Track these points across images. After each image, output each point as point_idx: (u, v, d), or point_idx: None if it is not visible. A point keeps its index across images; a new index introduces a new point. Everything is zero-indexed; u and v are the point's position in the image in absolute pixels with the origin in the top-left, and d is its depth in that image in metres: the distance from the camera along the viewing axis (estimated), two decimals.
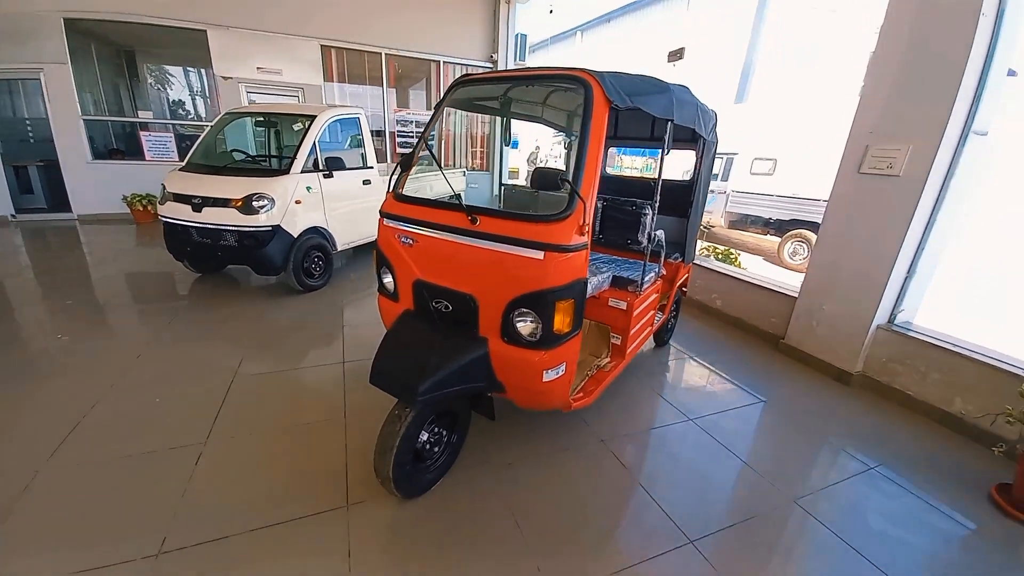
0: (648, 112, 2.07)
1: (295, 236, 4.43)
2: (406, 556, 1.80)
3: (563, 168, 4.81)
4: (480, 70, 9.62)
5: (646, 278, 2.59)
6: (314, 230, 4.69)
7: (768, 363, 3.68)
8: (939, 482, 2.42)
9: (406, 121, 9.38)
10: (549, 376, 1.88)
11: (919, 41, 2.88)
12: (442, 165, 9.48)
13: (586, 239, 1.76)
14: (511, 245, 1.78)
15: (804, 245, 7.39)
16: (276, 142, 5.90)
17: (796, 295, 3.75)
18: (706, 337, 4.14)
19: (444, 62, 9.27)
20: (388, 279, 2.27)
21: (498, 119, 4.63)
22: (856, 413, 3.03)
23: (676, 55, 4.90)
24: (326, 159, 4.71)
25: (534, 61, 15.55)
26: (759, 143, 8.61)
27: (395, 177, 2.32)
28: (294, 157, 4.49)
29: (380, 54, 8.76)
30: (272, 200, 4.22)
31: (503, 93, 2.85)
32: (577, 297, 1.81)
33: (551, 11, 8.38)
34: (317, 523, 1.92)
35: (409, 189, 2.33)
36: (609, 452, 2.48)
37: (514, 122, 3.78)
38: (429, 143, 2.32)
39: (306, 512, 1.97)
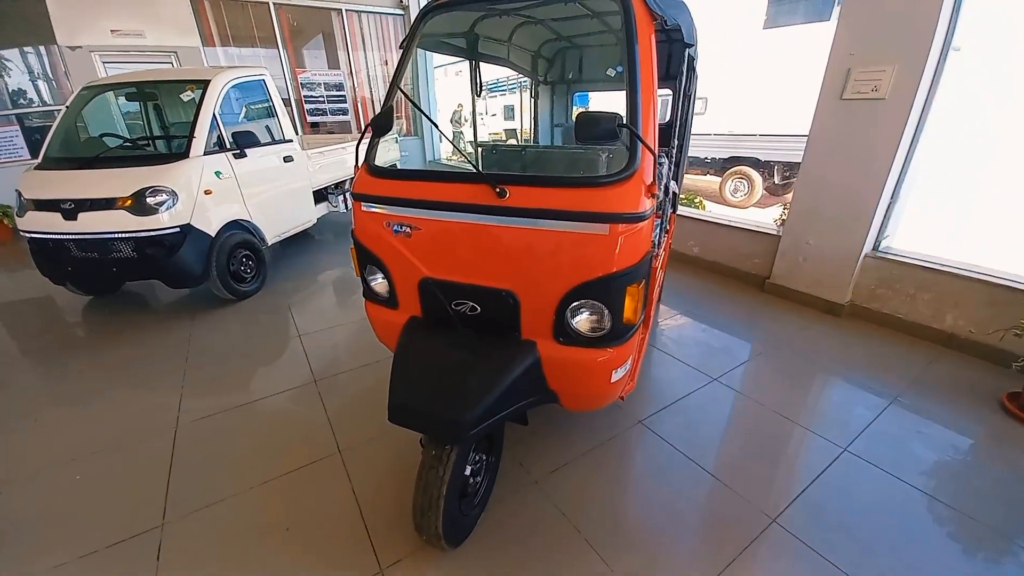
0: (678, 35, 1.68)
1: (212, 235, 3.59)
2: None
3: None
4: (391, 17, 8.52)
5: (661, 237, 2.30)
6: (235, 224, 3.86)
7: (761, 305, 3.65)
8: (951, 397, 2.49)
9: (312, 84, 8.15)
10: (618, 375, 1.54)
11: None
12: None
13: (654, 203, 1.38)
14: (566, 221, 1.36)
15: (744, 181, 7.60)
16: (158, 120, 4.75)
17: (778, 233, 3.70)
18: (691, 288, 4.02)
19: (348, 10, 8.05)
20: (378, 281, 1.76)
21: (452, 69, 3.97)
22: (854, 344, 3.07)
23: None
24: (233, 135, 3.82)
25: None
26: None
27: (365, 145, 1.75)
28: (191, 135, 3.56)
29: (268, 4, 7.38)
30: (173, 193, 3.34)
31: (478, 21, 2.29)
32: (647, 276, 1.45)
33: None
34: None
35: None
36: (652, 433, 2.25)
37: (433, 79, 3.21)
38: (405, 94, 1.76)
39: None
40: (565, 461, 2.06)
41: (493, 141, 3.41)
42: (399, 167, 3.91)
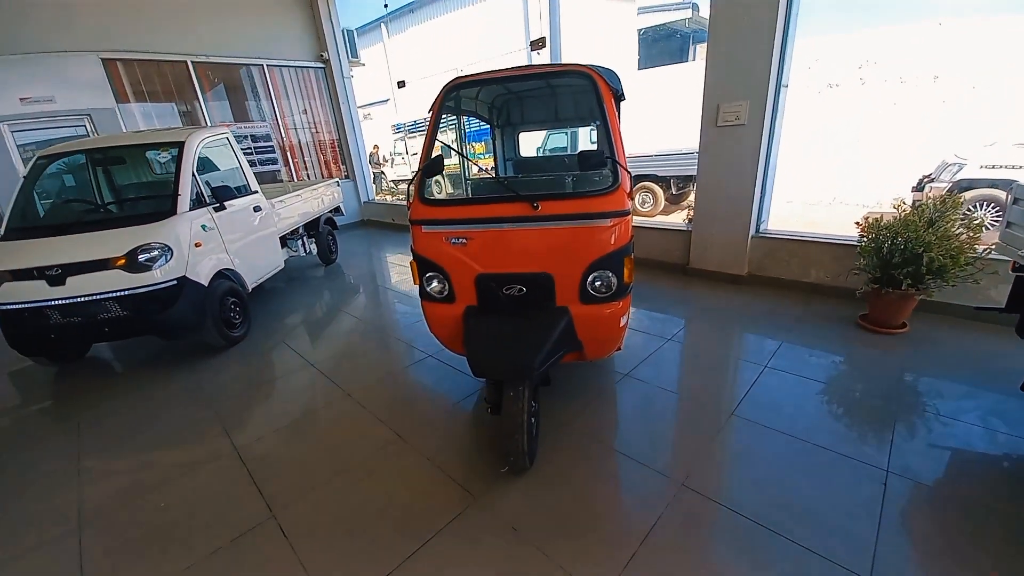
0: (618, 94, 2.51)
1: (206, 285, 3.78)
2: (561, 512, 2.01)
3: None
4: (311, 70, 8.92)
5: None
6: (222, 274, 4.05)
7: (686, 285, 4.65)
8: (823, 325, 3.57)
9: (240, 137, 8.21)
10: (623, 321, 2.26)
11: (741, 13, 3.89)
12: (294, 178, 8.66)
13: (631, 204, 2.15)
14: (582, 220, 2.07)
15: (649, 194, 9.02)
16: (110, 184, 4.74)
17: (689, 229, 4.77)
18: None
19: (269, 65, 8.32)
20: (436, 284, 2.31)
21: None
22: (755, 302, 4.12)
23: (539, 44, 5.47)
24: (212, 189, 4.06)
25: (370, 56, 14.82)
26: None
27: (415, 184, 2.33)
28: (176, 193, 3.77)
29: (185, 63, 7.45)
30: (167, 248, 3.52)
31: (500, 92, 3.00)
32: (633, 251, 2.20)
33: (386, 5, 8.17)
34: (461, 527, 1.97)
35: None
36: (638, 380, 2.98)
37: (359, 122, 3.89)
38: (448, 146, 2.38)
39: (440, 525, 1.98)
40: (583, 406, 2.71)
41: (480, 176, 4.04)
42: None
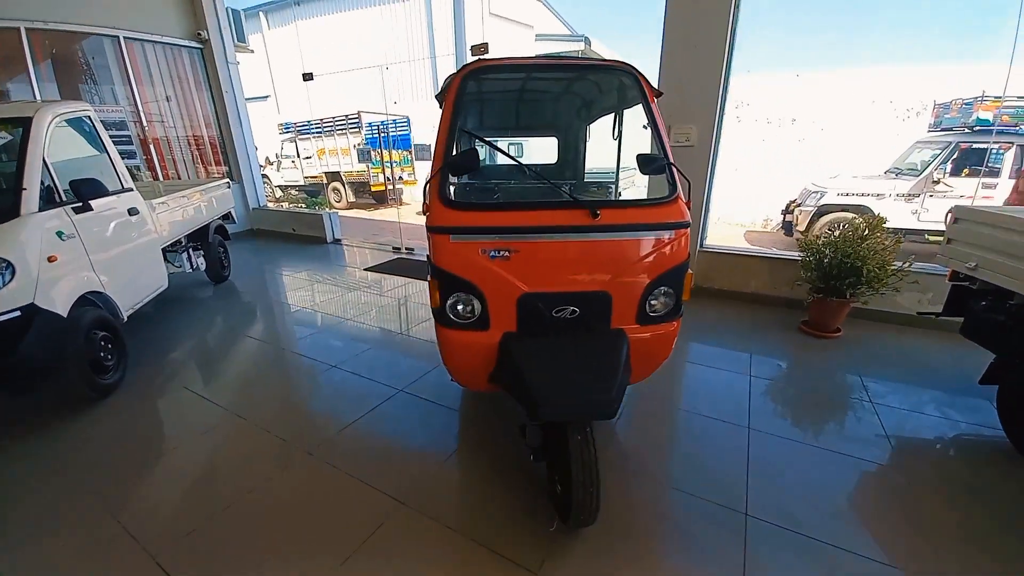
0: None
1: (64, 315, 2.69)
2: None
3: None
4: (185, 51, 7.40)
5: None
6: (86, 299, 2.95)
7: None
8: (766, 331, 3.87)
9: None
10: (675, 340, 2.07)
11: (692, 45, 4.12)
12: (160, 177, 7.07)
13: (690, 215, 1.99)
14: (646, 231, 1.83)
15: None
16: None
17: None
18: None
19: (127, 38, 6.68)
20: (465, 306, 1.87)
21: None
22: (705, 311, 4.34)
23: (481, 49, 5.20)
24: (74, 184, 2.96)
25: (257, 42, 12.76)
26: None
27: (434, 183, 1.87)
28: (19, 187, 2.64)
29: (18, 29, 5.59)
30: (5, 264, 2.42)
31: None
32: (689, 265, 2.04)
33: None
34: None
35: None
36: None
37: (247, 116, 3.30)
38: (474, 136, 1.96)
39: None
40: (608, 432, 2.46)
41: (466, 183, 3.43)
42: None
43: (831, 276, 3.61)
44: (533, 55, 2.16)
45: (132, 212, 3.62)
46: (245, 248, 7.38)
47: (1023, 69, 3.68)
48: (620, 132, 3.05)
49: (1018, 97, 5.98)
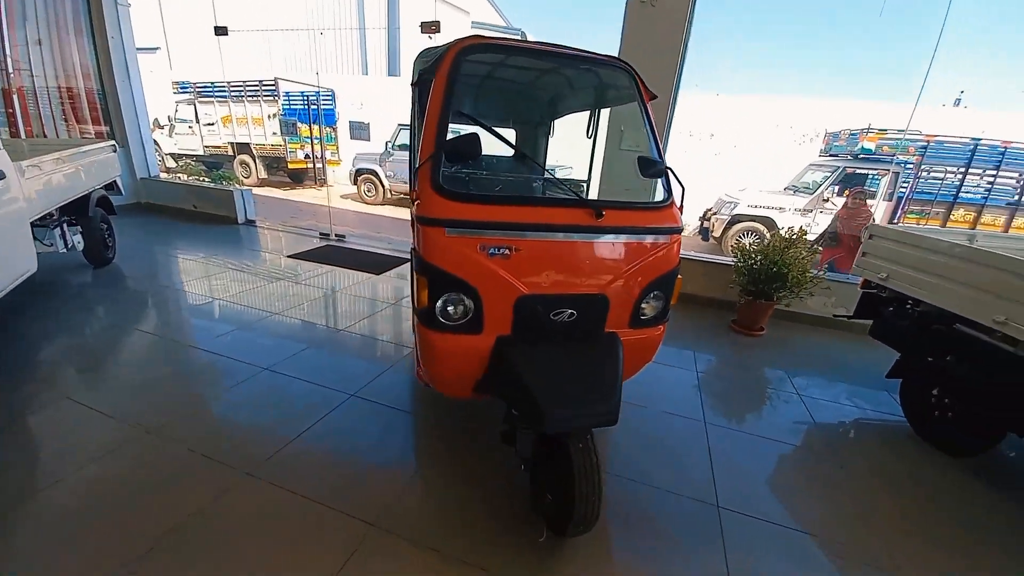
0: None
1: None
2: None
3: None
4: None
5: None
6: None
7: None
8: (702, 331, 4.17)
9: None
10: (660, 344, 2.08)
11: (647, 52, 4.23)
12: (23, 135, 5.76)
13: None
14: (645, 235, 1.80)
15: None
16: None
17: None
18: None
19: None
20: (455, 307, 1.70)
21: None
22: None
23: (432, 27, 4.87)
24: None
25: None
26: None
27: (425, 169, 1.66)
28: None
29: None
30: None
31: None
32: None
33: None
34: None
35: None
36: None
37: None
38: (474, 120, 1.76)
39: None
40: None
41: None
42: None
43: (760, 280, 3.96)
44: (537, 41, 2.01)
45: None
46: (132, 225, 6.26)
47: (922, 108, 4.30)
48: (595, 130, 3.03)
49: (898, 131, 7.09)
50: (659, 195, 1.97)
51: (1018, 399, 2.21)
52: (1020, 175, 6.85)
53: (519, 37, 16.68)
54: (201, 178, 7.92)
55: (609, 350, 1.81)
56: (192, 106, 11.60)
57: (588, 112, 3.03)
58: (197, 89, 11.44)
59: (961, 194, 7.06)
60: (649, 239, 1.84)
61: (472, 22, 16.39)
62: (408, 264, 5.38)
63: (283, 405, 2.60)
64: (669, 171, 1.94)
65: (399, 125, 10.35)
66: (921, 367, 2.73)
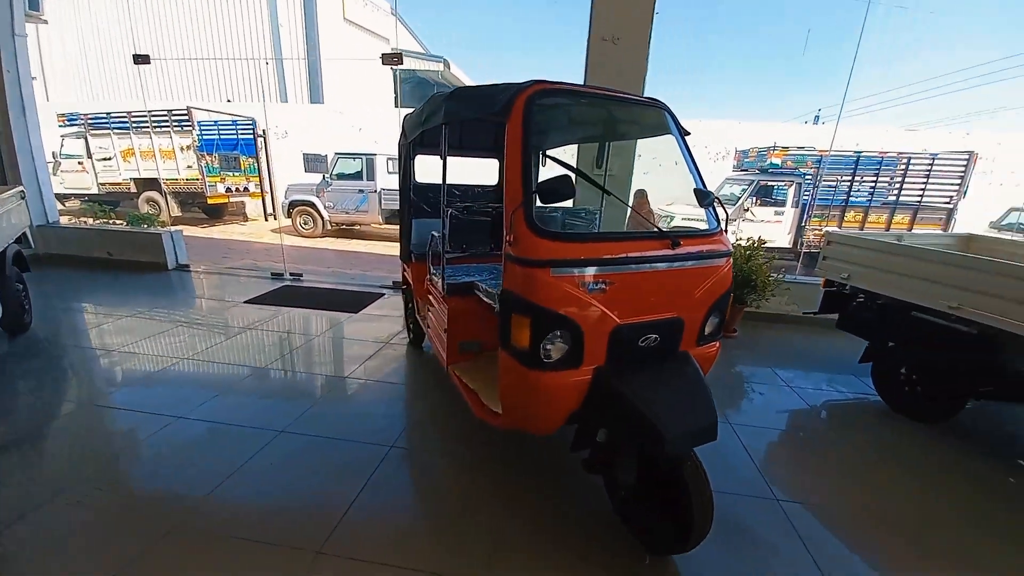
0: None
1: None
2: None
3: None
4: None
5: None
6: None
7: None
8: None
9: None
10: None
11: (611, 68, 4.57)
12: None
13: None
14: (707, 260, 1.98)
15: None
16: None
17: None
18: None
19: None
20: (559, 345, 1.73)
21: None
22: None
23: (395, 59, 4.84)
24: None
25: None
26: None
27: (518, 212, 1.69)
28: None
29: None
30: None
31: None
32: None
33: None
34: None
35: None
36: None
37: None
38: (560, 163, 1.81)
39: None
40: None
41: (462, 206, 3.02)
42: None
43: (736, 285, 4.40)
44: (579, 83, 2.15)
45: None
46: (39, 280, 5.31)
47: (842, 128, 5.08)
48: (607, 162, 3.22)
49: (798, 147, 8.28)
50: (709, 223, 2.17)
51: (974, 370, 2.72)
52: (891, 178, 8.35)
53: (440, 65, 16.94)
54: (112, 220, 6.96)
55: (693, 368, 1.95)
56: (83, 140, 10.16)
57: (597, 145, 3.24)
58: (89, 121, 10.05)
59: (851, 199, 8.44)
60: (712, 263, 2.02)
61: (392, 48, 16.35)
62: (381, 299, 5.17)
63: (340, 470, 2.39)
64: (716, 201, 2.15)
65: (336, 154, 9.96)
66: (887, 351, 3.22)
